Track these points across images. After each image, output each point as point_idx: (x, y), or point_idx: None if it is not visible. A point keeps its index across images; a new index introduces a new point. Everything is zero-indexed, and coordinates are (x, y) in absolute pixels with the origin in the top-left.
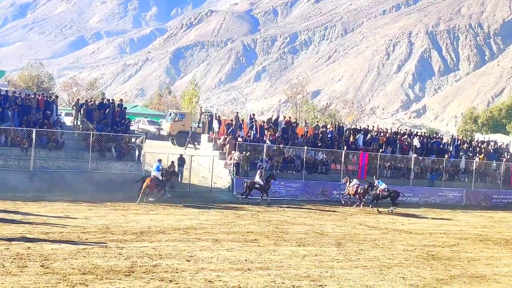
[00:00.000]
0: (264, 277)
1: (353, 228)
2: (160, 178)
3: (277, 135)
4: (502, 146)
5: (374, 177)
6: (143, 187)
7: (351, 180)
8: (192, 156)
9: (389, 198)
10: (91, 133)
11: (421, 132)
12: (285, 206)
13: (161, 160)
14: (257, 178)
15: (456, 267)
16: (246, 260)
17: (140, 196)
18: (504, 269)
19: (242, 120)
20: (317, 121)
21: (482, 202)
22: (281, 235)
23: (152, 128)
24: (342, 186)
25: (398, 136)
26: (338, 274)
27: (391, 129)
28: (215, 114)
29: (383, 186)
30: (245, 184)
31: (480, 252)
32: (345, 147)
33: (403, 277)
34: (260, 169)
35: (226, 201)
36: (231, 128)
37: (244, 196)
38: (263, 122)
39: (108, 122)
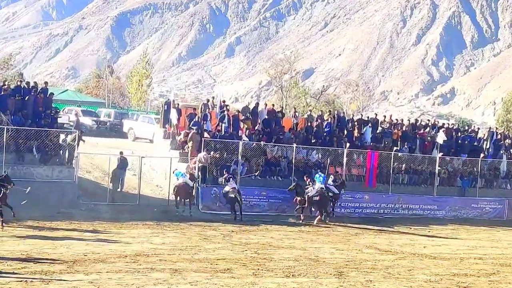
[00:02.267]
0: None
1: (358, 252)
2: (191, 184)
3: (256, 128)
4: None
5: (314, 172)
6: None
7: (315, 180)
8: (142, 158)
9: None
10: (4, 127)
11: (449, 124)
12: (268, 223)
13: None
14: (227, 188)
15: None
16: None
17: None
18: None
19: (210, 109)
20: (310, 110)
21: None
22: (263, 262)
23: (88, 121)
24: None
25: (418, 130)
26: None
27: (408, 120)
28: (173, 101)
29: (317, 186)
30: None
31: None
32: (347, 145)
33: None
34: (230, 177)
35: (188, 218)
36: (195, 120)
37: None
38: (238, 111)
39: (28, 113)
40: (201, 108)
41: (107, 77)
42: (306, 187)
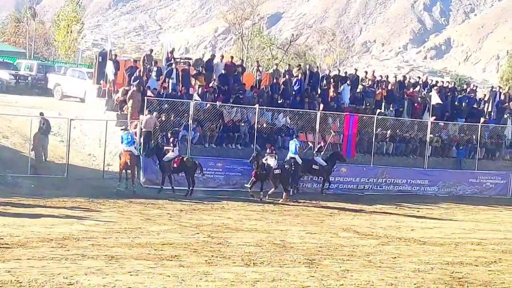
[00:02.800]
0: None
1: (333, 236)
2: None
3: (211, 86)
4: None
5: (281, 139)
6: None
7: (274, 151)
8: (71, 121)
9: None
10: None
11: (443, 82)
12: (225, 201)
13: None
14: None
15: None
16: None
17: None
18: None
19: (155, 61)
20: (277, 64)
21: None
22: (218, 248)
23: (4, 75)
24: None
25: (407, 89)
26: None
27: (395, 77)
28: (110, 51)
29: (288, 155)
30: None
31: None
32: (321, 106)
33: None
34: (175, 142)
35: (128, 194)
36: (136, 74)
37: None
38: (189, 65)
39: None
40: (144, 61)
41: (28, 21)
42: (265, 157)
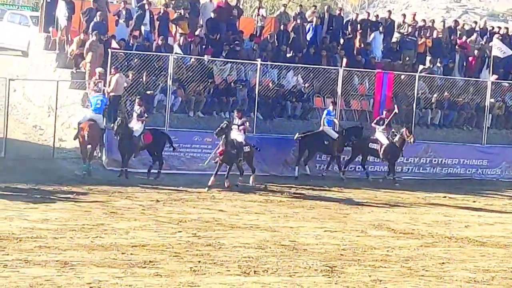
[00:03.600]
0: None
1: (361, 235)
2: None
3: (197, 34)
4: None
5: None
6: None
7: (245, 122)
8: (10, 82)
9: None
10: None
11: (507, 29)
12: (215, 188)
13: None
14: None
15: None
16: None
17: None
18: None
19: (124, 2)
20: (285, 5)
21: None
22: (208, 251)
23: None
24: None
25: (459, 37)
26: None
27: (443, 21)
28: None
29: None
30: None
31: None
32: (344, 61)
33: None
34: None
35: (87, 180)
36: (96, 19)
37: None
38: (167, 6)
39: None
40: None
41: None
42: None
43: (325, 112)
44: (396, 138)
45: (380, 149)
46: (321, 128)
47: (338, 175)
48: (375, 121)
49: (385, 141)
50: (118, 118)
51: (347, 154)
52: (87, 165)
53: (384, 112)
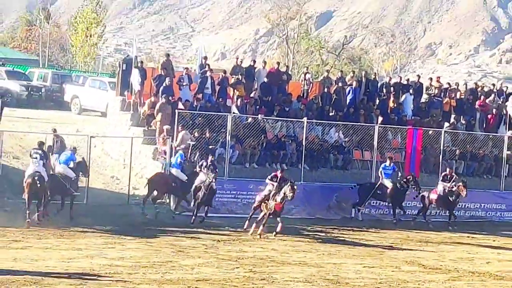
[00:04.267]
0: None
1: (395, 270)
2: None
3: (252, 96)
4: None
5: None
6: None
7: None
8: (91, 138)
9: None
10: None
11: None
12: (269, 230)
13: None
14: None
15: None
16: None
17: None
18: None
19: (187, 69)
20: (328, 71)
21: None
22: (262, 285)
23: (15, 86)
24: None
25: (479, 98)
26: None
27: (465, 84)
28: (135, 58)
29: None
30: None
31: None
32: (379, 119)
33: None
34: (209, 164)
35: (158, 222)
36: (165, 84)
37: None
38: (225, 72)
39: None
40: (161, 67)
41: (42, 24)
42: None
43: (382, 166)
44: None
45: (438, 200)
46: (379, 181)
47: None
48: (441, 178)
49: (443, 193)
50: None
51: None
52: (151, 209)
53: (448, 170)
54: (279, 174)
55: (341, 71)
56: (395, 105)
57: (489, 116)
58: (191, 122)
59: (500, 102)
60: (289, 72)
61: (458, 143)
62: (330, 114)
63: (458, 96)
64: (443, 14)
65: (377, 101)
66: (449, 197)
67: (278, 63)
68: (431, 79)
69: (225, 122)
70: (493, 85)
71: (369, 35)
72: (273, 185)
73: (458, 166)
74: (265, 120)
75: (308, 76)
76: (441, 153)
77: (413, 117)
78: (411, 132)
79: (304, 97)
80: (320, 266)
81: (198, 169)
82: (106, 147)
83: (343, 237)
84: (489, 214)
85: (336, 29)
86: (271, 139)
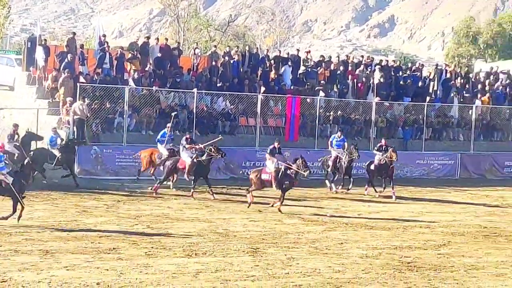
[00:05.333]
0: None
1: (278, 223)
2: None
3: (147, 70)
4: None
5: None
6: None
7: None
8: (0, 110)
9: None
10: None
11: (387, 61)
12: (163, 189)
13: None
14: None
15: (447, 282)
16: (99, 284)
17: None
18: None
19: (81, 45)
20: (215, 46)
21: (488, 173)
22: (158, 239)
23: None
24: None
25: (350, 68)
26: None
27: (338, 56)
28: (39, 36)
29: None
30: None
31: (486, 256)
32: (262, 89)
33: None
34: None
35: (60, 184)
36: (67, 60)
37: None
38: (122, 48)
39: None
40: (67, 45)
41: None
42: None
43: (332, 137)
44: (386, 159)
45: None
46: (334, 153)
47: None
48: (376, 148)
49: (377, 162)
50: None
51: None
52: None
53: (383, 140)
54: (276, 145)
55: (228, 46)
56: (276, 76)
57: (359, 84)
58: (91, 94)
59: (368, 73)
60: (180, 48)
61: (332, 108)
62: (218, 85)
63: (331, 67)
64: None
65: (260, 72)
66: (385, 166)
67: (166, 39)
68: (307, 52)
69: (123, 94)
70: (362, 57)
71: (252, 13)
72: (272, 160)
73: (332, 129)
74: (159, 91)
75: (197, 51)
76: (317, 118)
77: (292, 87)
78: (290, 100)
79: (194, 70)
80: (211, 222)
81: (181, 148)
82: (14, 118)
83: (232, 195)
84: (360, 171)
85: (222, 8)
86: (164, 108)
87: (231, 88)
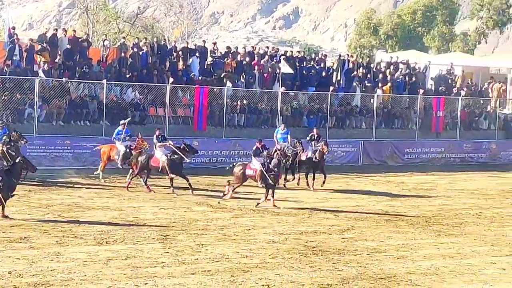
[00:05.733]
0: None
1: (187, 210)
2: None
3: (56, 61)
4: (418, 71)
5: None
6: None
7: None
8: None
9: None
10: None
11: (292, 52)
12: (74, 179)
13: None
14: None
15: (350, 265)
16: (10, 273)
17: None
18: (424, 264)
19: None
20: (124, 38)
21: (389, 160)
22: (69, 228)
23: None
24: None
25: (256, 59)
26: (166, 286)
27: (244, 47)
28: None
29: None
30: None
31: (387, 240)
32: (170, 80)
33: (267, 285)
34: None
35: None
36: None
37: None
38: (32, 40)
39: None
40: None
41: None
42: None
43: (276, 131)
44: (318, 151)
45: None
46: (278, 146)
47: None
48: (309, 138)
49: (310, 154)
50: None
51: None
52: None
53: (315, 130)
54: (259, 145)
55: (137, 38)
56: (184, 67)
57: (265, 74)
58: (1, 85)
59: (274, 63)
60: (89, 40)
61: (238, 98)
62: (127, 76)
63: (238, 58)
64: None
65: (168, 64)
66: (316, 157)
67: (74, 31)
68: (214, 43)
69: (33, 85)
70: (267, 48)
71: (160, 6)
72: (258, 159)
73: (239, 118)
74: (69, 82)
75: (106, 42)
76: (225, 107)
77: (199, 77)
78: (198, 90)
79: (103, 61)
80: (121, 210)
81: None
82: None
83: (141, 183)
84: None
85: (131, 1)
86: (74, 99)
87: (140, 79)
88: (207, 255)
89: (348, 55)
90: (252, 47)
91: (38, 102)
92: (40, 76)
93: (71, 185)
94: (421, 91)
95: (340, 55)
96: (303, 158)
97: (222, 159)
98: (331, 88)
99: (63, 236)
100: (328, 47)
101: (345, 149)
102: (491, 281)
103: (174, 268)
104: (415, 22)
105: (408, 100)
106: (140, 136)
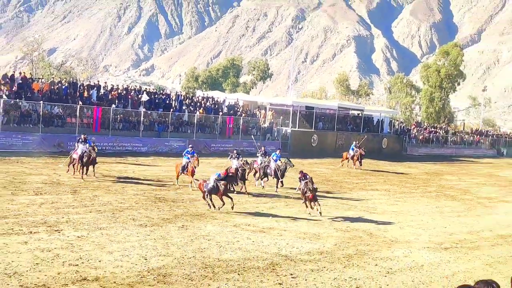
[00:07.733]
0: (2, 225)
1: (88, 177)
2: None
3: (13, 89)
4: (219, 102)
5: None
6: None
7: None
8: None
9: None
10: None
11: (150, 89)
12: (22, 157)
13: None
14: None
15: (180, 207)
16: None
17: None
18: (226, 207)
19: None
20: (53, 77)
21: (203, 150)
22: (19, 185)
23: None
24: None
25: (129, 92)
26: (74, 219)
27: (122, 85)
28: None
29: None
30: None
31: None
32: (80, 102)
33: (133, 219)
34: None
35: None
36: None
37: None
38: None
39: None
40: None
41: None
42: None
43: (273, 154)
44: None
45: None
46: (273, 163)
47: None
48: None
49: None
50: None
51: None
52: None
53: (263, 147)
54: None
55: (60, 77)
56: (88, 95)
57: (134, 101)
58: None
59: (140, 95)
60: (33, 78)
61: (119, 113)
62: (55, 98)
63: (119, 91)
64: (112, 51)
65: (78, 93)
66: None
67: (24, 73)
68: (105, 83)
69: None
70: (136, 86)
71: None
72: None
73: (119, 125)
74: (20, 102)
75: (43, 80)
76: (111, 119)
77: (97, 101)
78: (96, 108)
79: (41, 90)
80: (50, 176)
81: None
82: None
83: (61, 161)
84: (134, 148)
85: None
86: (23, 112)
87: (62, 101)
88: (99, 202)
89: (181, 92)
90: (127, 85)
91: (2, 113)
92: (3, 98)
93: (19, 160)
94: (221, 113)
95: (177, 92)
96: (268, 170)
97: (109, 148)
98: (171, 110)
99: (15, 189)
100: (170, 87)
101: (179, 144)
102: None
103: (82, 208)
104: (218, 75)
105: (213, 118)
106: (93, 144)
